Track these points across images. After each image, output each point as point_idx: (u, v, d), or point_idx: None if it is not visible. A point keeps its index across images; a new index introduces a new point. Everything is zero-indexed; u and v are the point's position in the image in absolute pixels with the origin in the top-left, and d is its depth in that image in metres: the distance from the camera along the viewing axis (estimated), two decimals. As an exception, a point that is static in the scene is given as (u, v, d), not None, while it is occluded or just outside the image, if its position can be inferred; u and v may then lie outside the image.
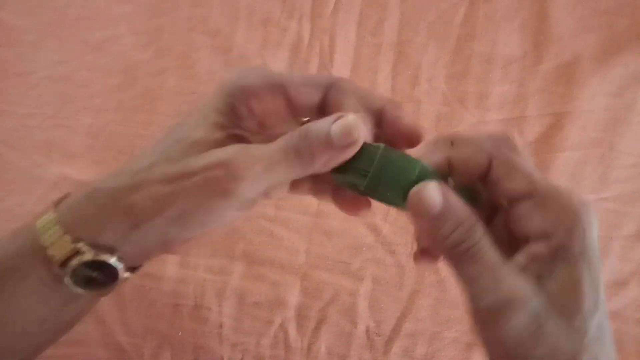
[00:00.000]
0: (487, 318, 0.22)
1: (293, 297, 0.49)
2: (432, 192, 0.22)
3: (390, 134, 0.25)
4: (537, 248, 0.22)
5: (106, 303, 0.50)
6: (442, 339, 0.48)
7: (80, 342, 0.51)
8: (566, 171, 0.48)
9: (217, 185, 0.22)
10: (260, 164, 0.22)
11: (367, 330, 0.49)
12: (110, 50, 0.52)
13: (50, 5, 0.53)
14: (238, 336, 0.49)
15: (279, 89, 0.25)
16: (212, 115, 0.24)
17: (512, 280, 0.21)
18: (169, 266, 0.50)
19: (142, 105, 0.52)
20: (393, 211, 0.48)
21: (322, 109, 0.25)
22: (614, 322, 0.47)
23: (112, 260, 0.23)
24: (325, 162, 0.22)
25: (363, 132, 0.22)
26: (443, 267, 0.48)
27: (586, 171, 0.48)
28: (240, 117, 0.25)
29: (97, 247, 0.23)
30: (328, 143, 0.22)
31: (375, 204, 0.26)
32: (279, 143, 0.23)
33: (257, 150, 0.23)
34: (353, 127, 0.22)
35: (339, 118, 0.22)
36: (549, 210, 0.22)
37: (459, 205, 0.22)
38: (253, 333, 0.49)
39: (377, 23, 0.51)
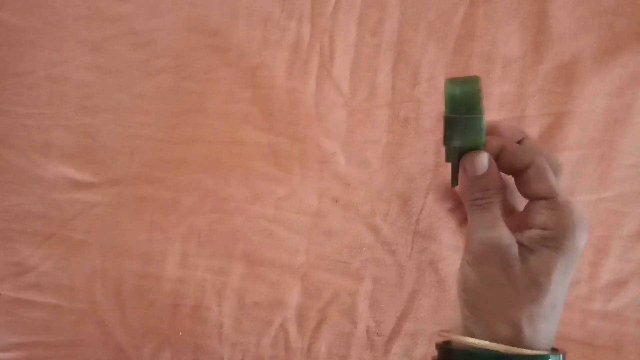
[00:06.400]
0: (476, 246, 0.30)
1: (293, 297, 0.49)
2: (483, 160, 0.31)
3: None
4: (535, 233, 0.30)
5: (106, 303, 0.50)
6: (442, 339, 0.48)
7: (80, 342, 0.51)
8: (566, 171, 0.48)
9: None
10: None
11: (367, 330, 0.49)
12: (108, 50, 0.52)
13: (49, 5, 0.52)
14: (238, 336, 0.49)
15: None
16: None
17: (505, 230, 0.30)
18: (168, 266, 0.50)
19: (141, 106, 0.51)
20: (393, 211, 0.48)
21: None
22: (614, 322, 0.47)
23: None
24: None
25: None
26: (443, 267, 0.48)
27: (586, 171, 0.48)
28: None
29: None
30: None
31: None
32: None
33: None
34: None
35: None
36: (556, 213, 0.29)
37: (494, 176, 0.31)
38: (253, 333, 0.49)
39: (377, 23, 0.51)
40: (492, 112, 0.50)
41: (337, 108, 0.50)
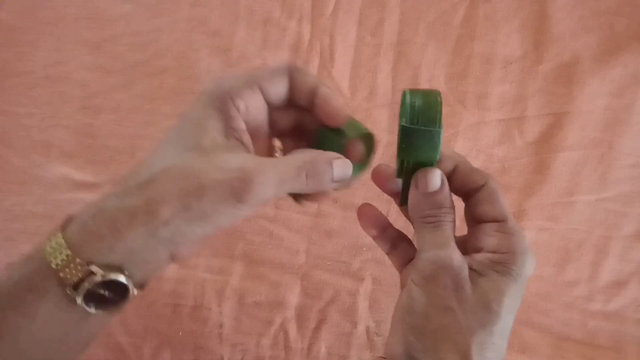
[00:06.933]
0: (425, 265, 0.28)
1: (293, 297, 0.49)
2: (436, 177, 0.29)
3: (320, 113, 0.30)
4: (484, 256, 0.29)
5: (106, 303, 0.50)
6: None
7: (80, 342, 0.50)
8: (566, 171, 0.48)
9: (231, 190, 0.25)
10: (270, 176, 0.26)
11: (367, 330, 0.49)
12: (109, 50, 0.52)
13: (49, 5, 0.52)
14: (238, 336, 0.49)
15: (254, 83, 0.28)
16: (209, 122, 0.27)
17: (456, 251, 0.28)
18: (168, 266, 0.50)
19: (141, 106, 0.52)
20: (393, 211, 0.48)
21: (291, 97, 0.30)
22: (614, 322, 0.47)
23: (123, 279, 0.25)
24: (326, 188, 0.29)
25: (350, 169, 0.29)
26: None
27: (586, 171, 0.48)
28: (232, 119, 0.27)
29: (107, 267, 0.24)
30: (331, 177, 0.28)
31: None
32: (291, 161, 0.27)
33: (268, 163, 0.26)
34: (349, 169, 0.29)
35: (338, 158, 0.28)
36: (507, 237, 0.28)
37: (447, 194, 0.29)
38: (253, 333, 0.49)
39: (377, 23, 0.51)
40: (492, 112, 0.50)
41: (337, 108, 0.51)
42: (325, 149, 0.29)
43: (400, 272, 0.34)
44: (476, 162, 0.49)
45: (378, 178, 0.33)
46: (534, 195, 0.48)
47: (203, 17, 0.52)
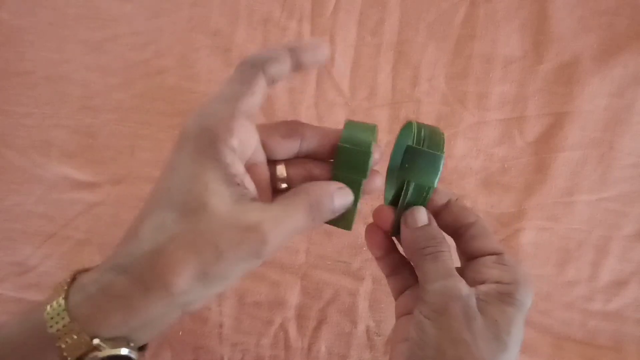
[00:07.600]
0: (434, 298, 0.28)
1: (293, 297, 0.49)
2: (423, 214, 0.31)
3: (308, 64, 0.28)
4: (490, 287, 0.29)
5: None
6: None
7: (80, 342, 0.50)
8: (566, 171, 0.48)
9: (249, 249, 0.24)
10: (284, 227, 0.25)
11: (367, 330, 0.49)
12: (109, 50, 0.52)
13: (50, 5, 0.53)
14: (238, 336, 0.49)
15: (238, 109, 0.26)
16: (206, 174, 0.24)
17: (461, 280, 0.29)
18: (168, 266, 0.50)
19: (142, 105, 0.52)
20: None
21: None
22: (614, 322, 0.47)
23: (126, 351, 0.24)
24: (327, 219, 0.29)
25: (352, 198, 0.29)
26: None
27: (586, 171, 0.48)
28: (230, 166, 0.25)
29: (113, 340, 0.23)
30: (333, 210, 0.28)
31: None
32: (299, 206, 0.27)
33: (279, 213, 0.26)
34: (349, 197, 0.29)
35: (338, 189, 0.29)
36: (508, 269, 0.29)
37: (436, 227, 0.31)
38: (253, 333, 0.49)
39: (377, 23, 0.51)
40: (492, 112, 0.50)
41: (337, 108, 0.51)
42: (349, 163, 0.29)
43: (396, 298, 0.34)
44: (476, 162, 0.49)
45: (380, 218, 0.33)
46: (534, 195, 0.48)
47: (203, 17, 0.52)
